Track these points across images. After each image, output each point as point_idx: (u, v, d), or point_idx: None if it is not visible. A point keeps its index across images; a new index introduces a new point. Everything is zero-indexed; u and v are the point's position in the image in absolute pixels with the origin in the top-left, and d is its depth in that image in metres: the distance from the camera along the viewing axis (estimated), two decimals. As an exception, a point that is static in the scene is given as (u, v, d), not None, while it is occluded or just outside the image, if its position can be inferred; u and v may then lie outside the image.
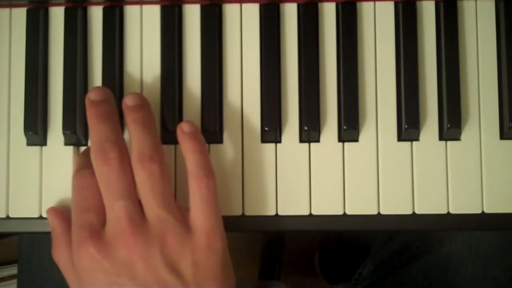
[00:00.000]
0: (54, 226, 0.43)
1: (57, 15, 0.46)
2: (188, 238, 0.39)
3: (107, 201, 0.40)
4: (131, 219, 0.39)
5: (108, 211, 0.40)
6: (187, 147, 0.41)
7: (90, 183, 0.41)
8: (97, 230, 0.39)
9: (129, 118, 0.42)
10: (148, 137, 0.41)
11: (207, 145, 0.43)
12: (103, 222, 0.40)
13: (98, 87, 0.43)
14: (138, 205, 0.40)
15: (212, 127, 0.44)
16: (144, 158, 0.40)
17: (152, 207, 0.39)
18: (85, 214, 0.40)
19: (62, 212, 0.43)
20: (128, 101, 0.42)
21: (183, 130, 0.42)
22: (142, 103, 0.42)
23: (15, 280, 0.96)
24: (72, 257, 0.40)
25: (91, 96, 0.42)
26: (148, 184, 0.39)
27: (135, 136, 0.41)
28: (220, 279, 0.40)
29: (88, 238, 0.39)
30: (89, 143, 0.42)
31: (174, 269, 0.39)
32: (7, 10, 0.46)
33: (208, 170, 0.41)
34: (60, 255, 0.42)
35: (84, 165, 0.42)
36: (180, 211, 0.40)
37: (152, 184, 0.39)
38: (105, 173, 0.40)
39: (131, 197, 0.40)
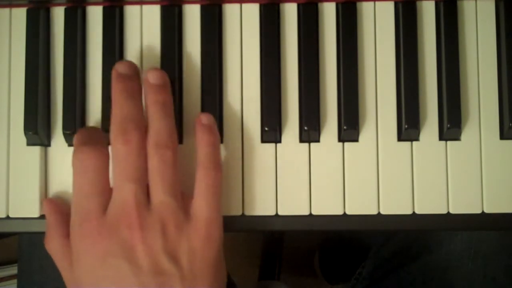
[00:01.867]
0: (49, 217, 0.43)
1: (57, 15, 0.46)
2: (188, 225, 0.40)
3: (117, 181, 0.40)
4: (138, 203, 0.39)
5: (116, 191, 0.40)
6: (202, 138, 0.42)
7: (94, 163, 0.40)
8: (102, 212, 0.40)
9: (150, 97, 0.42)
10: (167, 122, 0.41)
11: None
12: (106, 204, 0.40)
13: (127, 61, 0.43)
14: (145, 191, 0.40)
15: (212, 127, 0.44)
16: (161, 144, 0.40)
17: (159, 192, 0.40)
18: (90, 198, 0.40)
19: (58, 204, 0.43)
20: (152, 78, 0.42)
21: (202, 121, 0.42)
22: (165, 83, 0.42)
23: (15, 280, 0.96)
24: (70, 242, 0.41)
25: (120, 68, 0.42)
26: (159, 169, 0.40)
27: (154, 118, 0.41)
28: (214, 271, 0.40)
29: (93, 219, 0.39)
30: (111, 118, 0.41)
31: (172, 256, 0.39)
32: (7, 10, 0.46)
33: (218, 164, 0.42)
34: (52, 246, 0.42)
35: (86, 142, 0.41)
36: (184, 199, 0.41)
37: (163, 170, 0.40)
38: (123, 153, 0.40)
39: (141, 181, 0.40)
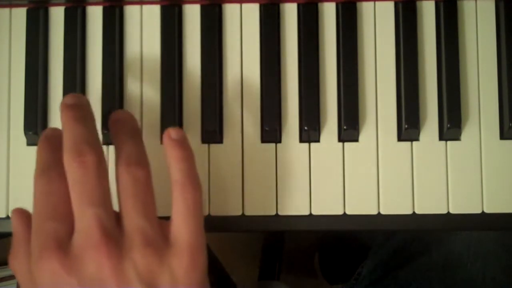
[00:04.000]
0: (16, 230, 0.38)
1: (57, 15, 0.46)
2: (168, 253, 0.36)
3: (77, 208, 0.36)
4: (104, 229, 0.35)
5: (77, 219, 0.36)
6: (173, 154, 0.38)
7: (58, 187, 0.36)
8: (63, 241, 0.35)
9: (117, 128, 0.40)
10: (137, 145, 0.38)
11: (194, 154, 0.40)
12: (70, 232, 0.36)
13: (73, 94, 0.40)
14: (112, 215, 0.36)
15: (212, 127, 0.44)
16: (131, 162, 0.37)
17: (131, 215, 0.36)
18: (50, 223, 0.35)
19: (29, 216, 0.38)
20: (117, 115, 0.41)
21: (170, 136, 0.39)
22: (131, 116, 0.41)
23: (15, 280, 0.96)
24: (31, 270, 0.36)
25: (67, 100, 0.39)
26: (131, 189, 0.36)
27: (122, 142, 0.38)
28: None
29: (53, 249, 0.35)
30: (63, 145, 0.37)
31: (150, 286, 0.35)
32: (7, 10, 0.46)
33: (195, 180, 0.38)
34: (17, 265, 0.37)
35: (50, 164, 0.37)
36: (161, 224, 0.37)
37: (136, 191, 0.36)
38: (79, 176, 0.36)
39: (105, 205, 0.36)
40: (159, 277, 0.35)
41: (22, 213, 0.39)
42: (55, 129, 0.40)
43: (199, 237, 0.37)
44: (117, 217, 0.37)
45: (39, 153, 0.38)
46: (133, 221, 0.36)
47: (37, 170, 0.37)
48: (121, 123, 0.40)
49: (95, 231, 0.35)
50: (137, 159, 0.37)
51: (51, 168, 0.37)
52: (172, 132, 0.39)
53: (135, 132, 0.40)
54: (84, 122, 0.38)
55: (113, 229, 0.35)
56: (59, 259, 0.34)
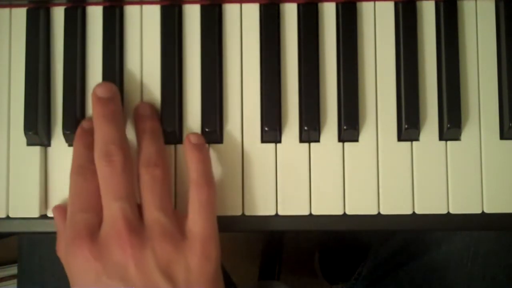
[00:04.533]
0: (57, 224, 0.43)
1: (57, 15, 0.46)
2: (183, 243, 0.40)
3: (105, 201, 0.40)
4: (127, 221, 0.39)
5: (105, 211, 0.40)
6: (192, 156, 0.42)
7: (91, 184, 0.41)
8: (93, 231, 0.40)
9: (140, 126, 0.43)
10: (156, 145, 0.42)
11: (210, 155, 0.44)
12: (99, 223, 0.40)
13: (105, 83, 0.43)
14: (136, 208, 0.40)
15: (212, 127, 0.44)
16: (150, 162, 0.41)
17: (150, 209, 0.40)
18: (82, 214, 0.40)
19: (66, 210, 0.43)
20: (141, 109, 0.44)
21: (191, 140, 0.43)
22: (152, 113, 0.44)
23: (15, 280, 0.96)
24: (66, 259, 0.41)
25: (98, 92, 0.43)
26: (149, 186, 0.41)
27: (143, 143, 0.42)
28: (212, 287, 0.40)
29: (83, 237, 0.39)
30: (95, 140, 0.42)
31: (167, 274, 0.39)
32: (7, 10, 0.46)
33: (210, 180, 0.42)
34: (61, 253, 0.42)
35: (84, 163, 0.42)
36: (177, 217, 0.41)
37: (153, 187, 0.41)
38: (107, 174, 0.40)
39: (129, 199, 0.40)
40: (175, 266, 0.39)
41: (61, 208, 0.44)
42: (90, 122, 0.43)
43: (211, 230, 0.41)
44: (140, 210, 0.41)
45: (75, 149, 0.43)
46: (152, 214, 0.40)
47: (73, 166, 0.42)
48: (144, 120, 0.43)
49: (119, 222, 0.39)
50: (155, 159, 0.41)
51: (85, 166, 0.42)
52: (192, 137, 0.43)
53: (155, 131, 0.43)
54: (112, 120, 0.42)
55: (135, 220, 0.40)
56: (88, 246, 0.39)
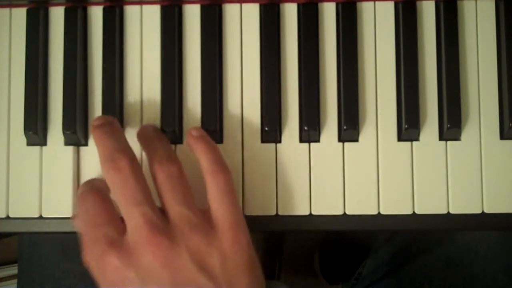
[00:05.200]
0: (81, 232, 0.42)
1: (57, 15, 0.46)
2: (213, 234, 0.39)
3: (124, 210, 0.39)
4: (152, 223, 0.38)
5: (127, 219, 0.39)
6: (199, 148, 0.42)
7: (95, 201, 0.40)
8: (117, 241, 0.39)
9: (140, 133, 0.44)
10: (162, 143, 0.42)
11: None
12: (121, 232, 0.39)
13: (101, 116, 0.44)
14: (156, 209, 0.39)
15: (212, 127, 0.44)
16: (163, 161, 0.40)
17: (173, 206, 0.39)
18: (98, 228, 0.39)
19: None
20: (142, 130, 0.44)
21: (192, 134, 0.43)
22: (153, 128, 0.44)
23: (15, 280, 0.96)
24: (95, 272, 0.39)
25: (94, 122, 0.42)
26: (168, 185, 0.40)
27: (149, 146, 0.42)
28: (249, 273, 0.39)
29: (108, 248, 0.38)
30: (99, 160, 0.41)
31: (203, 267, 0.38)
32: (7, 10, 0.46)
33: (223, 165, 0.41)
34: (89, 264, 0.41)
35: (84, 189, 0.41)
36: (200, 210, 0.40)
37: (172, 185, 0.40)
38: (119, 181, 0.39)
39: (148, 202, 0.39)
40: (209, 258, 0.38)
41: None
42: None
43: (237, 215, 0.40)
44: (162, 211, 0.40)
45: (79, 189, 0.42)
46: (176, 211, 0.39)
47: (76, 198, 0.42)
48: (143, 130, 0.44)
49: (143, 226, 0.38)
50: (167, 157, 0.41)
51: (84, 191, 0.41)
52: (193, 131, 0.43)
53: (157, 134, 0.43)
54: (111, 135, 0.41)
55: (160, 221, 0.38)
56: (117, 257, 0.38)
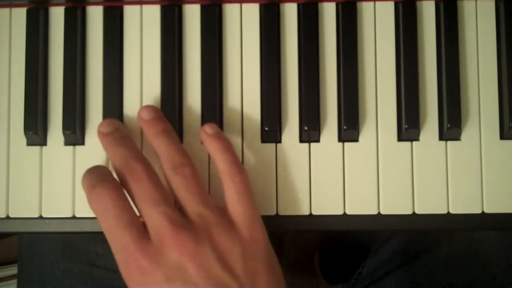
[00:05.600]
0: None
1: (57, 15, 0.46)
2: (233, 232, 0.40)
3: (144, 212, 0.39)
4: (174, 221, 0.38)
5: (148, 221, 0.39)
6: (214, 147, 0.42)
7: (112, 199, 0.39)
8: (141, 242, 0.38)
9: (149, 132, 0.43)
10: (174, 145, 0.42)
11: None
12: (144, 233, 0.39)
13: (106, 120, 0.44)
14: (176, 209, 0.40)
15: (212, 127, 0.44)
16: (176, 164, 0.41)
17: (192, 206, 0.40)
18: (121, 231, 0.39)
19: None
20: (144, 114, 0.43)
21: (207, 132, 0.43)
22: (158, 115, 0.43)
23: (15, 280, 0.96)
24: (123, 275, 0.39)
25: (102, 129, 0.43)
26: (184, 186, 0.40)
27: (160, 147, 0.42)
28: (269, 272, 0.40)
29: (135, 251, 0.38)
30: (111, 168, 0.42)
31: (226, 264, 0.38)
32: (7, 10, 0.46)
33: (240, 166, 0.42)
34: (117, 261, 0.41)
35: (95, 182, 0.40)
36: (218, 208, 0.41)
37: (188, 185, 0.40)
38: (137, 187, 0.40)
39: (167, 202, 0.39)
40: (230, 255, 0.39)
41: None
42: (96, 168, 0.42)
43: (253, 215, 0.41)
44: (181, 211, 0.40)
45: (82, 181, 0.41)
46: (195, 211, 0.40)
47: (87, 191, 0.40)
48: (153, 124, 0.43)
49: (166, 225, 0.38)
50: (180, 158, 0.41)
51: (96, 184, 0.40)
52: (207, 128, 0.43)
53: (168, 133, 0.43)
54: (122, 142, 0.42)
55: (181, 220, 0.39)
56: (144, 258, 0.38)
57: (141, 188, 0.40)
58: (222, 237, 0.39)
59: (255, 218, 0.41)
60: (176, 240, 0.38)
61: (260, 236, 0.40)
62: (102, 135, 0.43)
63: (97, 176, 0.41)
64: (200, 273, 0.38)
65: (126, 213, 0.39)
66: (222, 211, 0.41)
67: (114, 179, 0.41)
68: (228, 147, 0.42)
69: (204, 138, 0.43)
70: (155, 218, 0.39)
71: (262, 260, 0.40)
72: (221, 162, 0.42)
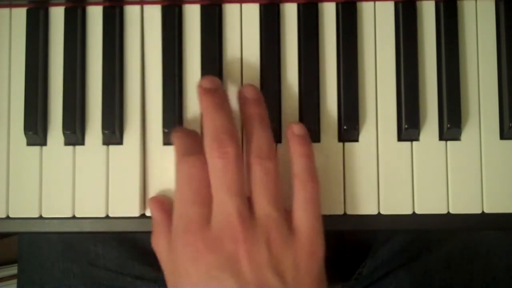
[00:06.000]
0: (155, 216, 0.43)
1: (57, 15, 0.46)
2: (292, 240, 0.39)
3: (218, 195, 0.39)
4: (242, 215, 0.38)
5: (217, 205, 0.39)
6: (296, 150, 0.42)
7: (200, 173, 0.40)
8: (205, 223, 0.39)
9: (248, 111, 0.42)
10: (266, 134, 0.41)
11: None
12: (210, 214, 0.39)
13: (209, 76, 0.43)
14: (246, 203, 0.40)
15: (212, 127, 0.44)
16: (263, 155, 0.40)
17: (263, 204, 0.39)
18: (194, 207, 0.39)
19: (164, 203, 0.43)
20: (248, 92, 0.43)
21: (294, 131, 0.42)
22: (260, 98, 0.43)
23: (15, 280, 0.96)
24: (172, 247, 0.40)
25: (205, 84, 0.42)
26: (262, 180, 0.40)
27: (253, 131, 0.41)
28: (317, 285, 0.40)
29: (196, 230, 0.39)
30: (204, 131, 0.41)
31: (277, 270, 0.38)
32: (7, 10, 0.46)
33: (314, 175, 0.41)
34: (159, 244, 0.42)
35: (189, 151, 0.41)
36: (286, 213, 0.40)
37: (266, 181, 0.40)
38: (220, 166, 0.39)
39: (242, 194, 0.39)
40: (284, 262, 0.39)
41: (158, 201, 0.43)
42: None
43: (318, 226, 0.40)
44: (249, 202, 0.40)
45: (177, 139, 0.42)
46: (264, 210, 0.39)
47: (178, 155, 0.41)
48: (252, 105, 0.42)
49: (234, 217, 0.38)
50: (267, 152, 0.41)
51: (190, 154, 0.40)
52: (295, 127, 0.42)
53: (265, 121, 0.42)
54: (223, 108, 0.41)
55: (248, 215, 0.39)
56: (202, 238, 0.38)
57: (225, 171, 0.39)
58: (282, 243, 0.39)
59: (318, 232, 0.40)
60: (237, 234, 0.38)
61: (319, 251, 0.40)
62: (203, 90, 0.42)
63: (193, 145, 0.41)
64: (251, 270, 0.38)
65: (203, 190, 0.39)
66: (288, 216, 0.40)
67: (205, 155, 0.40)
68: (311, 153, 0.42)
69: (289, 137, 0.42)
70: (227, 205, 0.39)
71: (313, 275, 0.40)
72: (298, 166, 0.41)
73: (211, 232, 0.39)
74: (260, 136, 0.41)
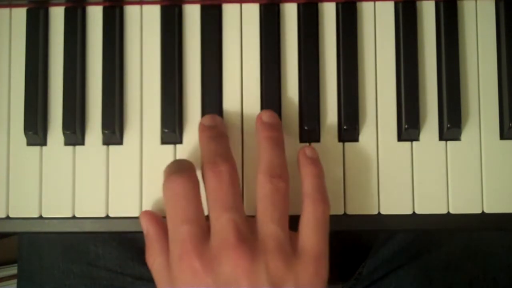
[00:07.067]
0: (148, 231, 0.42)
1: (57, 15, 0.46)
2: (295, 260, 0.39)
3: (214, 213, 0.39)
4: (239, 232, 0.38)
5: (214, 223, 0.39)
6: (308, 171, 0.42)
7: (184, 189, 0.39)
8: (201, 243, 0.38)
9: (263, 134, 0.42)
10: (279, 156, 0.41)
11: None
12: (205, 233, 0.39)
13: (210, 115, 0.44)
14: (245, 219, 0.39)
15: (212, 127, 0.44)
16: (275, 173, 0.40)
17: (267, 222, 0.39)
18: (185, 225, 0.39)
19: (157, 217, 0.42)
20: (265, 117, 0.43)
21: (307, 154, 0.42)
22: (278, 123, 0.43)
23: (15, 280, 0.96)
24: (170, 269, 0.39)
25: (205, 122, 0.43)
26: (271, 198, 0.39)
27: (266, 151, 0.41)
28: None
29: (192, 251, 0.38)
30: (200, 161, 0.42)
31: None
32: (7, 10, 0.46)
33: (326, 196, 0.41)
34: (154, 261, 0.41)
35: (173, 170, 0.41)
36: (290, 233, 0.40)
37: (275, 199, 0.39)
38: (214, 184, 0.39)
39: (239, 210, 0.39)
40: (285, 282, 0.37)
41: (151, 215, 0.42)
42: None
43: (324, 248, 0.40)
44: (249, 221, 0.39)
45: (167, 166, 0.42)
46: (269, 228, 0.39)
47: (164, 177, 0.41)
48: (270, 129, 0.42)
49: (231, 234, 0.37)
50: (280, 171, 0.40)
51: (173, 172, 0.40)
52: (308, 150, 0.43)
53: (280, 144, 0.42)
54: (217, 139, 0.42)
55: (247, 232, 0.38)
56: (198, 259, 0.37)
57: (219, 189, 0.39)
58: (283, 263, 0.38)
59: (324, 253, 0.40)
60: (235, 251, 0.37)
61: (323, 273, 0.39)
62: (202, 127, 0.43)
63: (178, 166, 0.41)
64: None
65: (193, 208, 0.39)
66: (293, 236, 0.40)
67: (194, 173, 0.40)
68: (322, 174, 0.42)
69: (301, 159, 0.42)
70: (223, 223, 0.38)
71: None
72: (308, 187, 0.41)
73: (208, 252, 0.38)
74: (275, 156, 0.41)
